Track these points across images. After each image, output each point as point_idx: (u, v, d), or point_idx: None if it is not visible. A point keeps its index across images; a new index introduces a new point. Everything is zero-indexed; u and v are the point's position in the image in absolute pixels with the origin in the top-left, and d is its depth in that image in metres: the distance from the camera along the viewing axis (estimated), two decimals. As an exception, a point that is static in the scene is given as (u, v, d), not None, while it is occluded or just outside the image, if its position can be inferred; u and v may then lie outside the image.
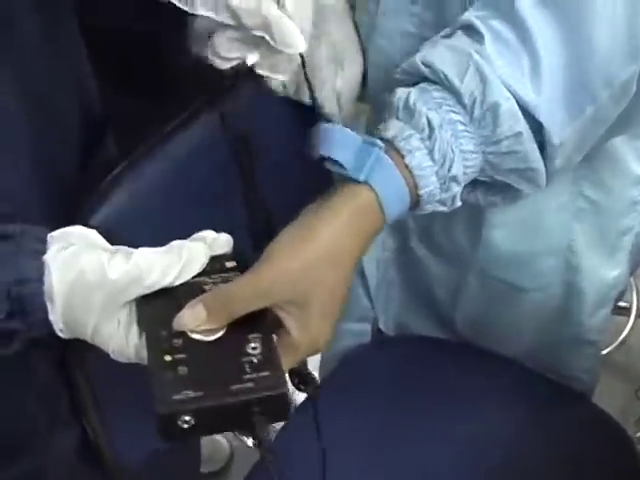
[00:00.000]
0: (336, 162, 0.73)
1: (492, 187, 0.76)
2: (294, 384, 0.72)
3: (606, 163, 0.98)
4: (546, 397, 1.18)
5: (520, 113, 0.70)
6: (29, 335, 0.68)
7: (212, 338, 0.66)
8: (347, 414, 1.11)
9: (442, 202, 0.73)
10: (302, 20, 0.77)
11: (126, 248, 0.69)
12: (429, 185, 0.71)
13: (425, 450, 1.11)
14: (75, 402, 0.85)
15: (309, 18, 0.79)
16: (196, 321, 0.66)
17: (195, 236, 0.70)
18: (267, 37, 0.74)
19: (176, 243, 0.69)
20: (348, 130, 0.74)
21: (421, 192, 0.71)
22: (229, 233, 0.73)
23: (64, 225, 0.73)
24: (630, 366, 1.92)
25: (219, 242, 0.71)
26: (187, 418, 0.61)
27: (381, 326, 1.27)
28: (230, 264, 0.70)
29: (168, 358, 0.64)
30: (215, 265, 0.70)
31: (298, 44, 0.75)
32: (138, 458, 0.94)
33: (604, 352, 1.77)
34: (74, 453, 0.90)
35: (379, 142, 0.71)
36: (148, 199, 0.86)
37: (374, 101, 0.91)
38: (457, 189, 0.72)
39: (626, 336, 1.92)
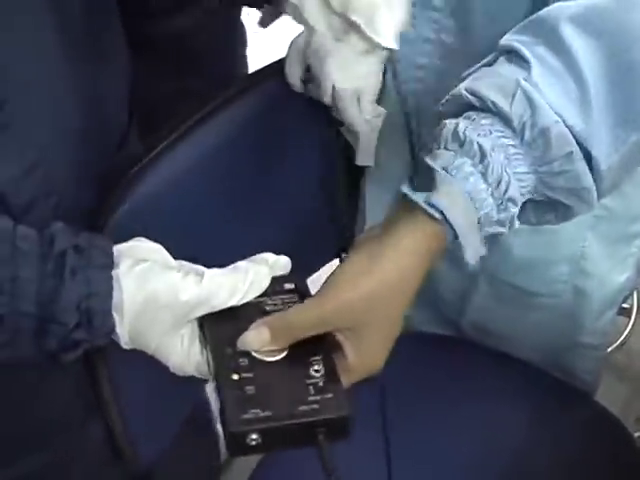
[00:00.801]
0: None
1: (544, 206, 0.76)
2: None
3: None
4: (551, 396, 1.20)
5: (570, 135, 0.71)
6: (92, 345, 0.70)
7: (275, 359, 0.69)
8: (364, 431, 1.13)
9: (500, 223, 0.73)
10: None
11: (195, 266, 0.72)
12: (485, 207, 0.71)
13: (430, 449, 1.13)
14: (97, 395, 0.87)
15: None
16: (260, 342, 0.69)
17: (256, 257, 0.73)
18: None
19: (241, 264, 0.72)
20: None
21: (479, 214, 0.71)
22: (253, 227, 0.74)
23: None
24: (630, 366, 1.94)
25: (279, 264, 0.73)
26: (255, 436, 0.65)
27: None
28: (289, 286, 0.74)
29: (235, 377, 0.68)
30: (274, 286, 0.73)
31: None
32: (154, 452, 0.96)
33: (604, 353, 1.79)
34: (103, 443, 0.92)
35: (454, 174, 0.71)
36: (172, 191, 0.88)
37: (391, 102, 0.93)
38: (514, 210, 0.72)
39: (626, 336, 1.92)
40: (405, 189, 0.71)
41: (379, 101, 0.94)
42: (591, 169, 0.72)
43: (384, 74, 0.94)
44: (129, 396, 0.89)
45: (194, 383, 1.01)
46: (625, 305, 1.90)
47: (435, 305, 1.25)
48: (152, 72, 1.06)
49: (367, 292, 0.68)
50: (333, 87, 0.90)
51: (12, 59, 0.69)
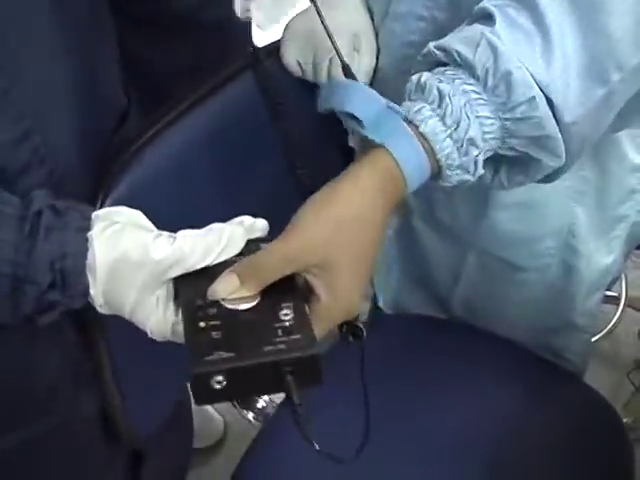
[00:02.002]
0: (354, 119, 0.75)
1: (514, 164, 0.78)
2: (342, 333, 0.73)
3: (605, 148, 1.01)
4: (541, 377, 1.21)
5: (532, 80, 0.73)
6: (68, 307, 0.70)
7: (246, 307, 0.68)
8: (344, 391, 1.13)
9: (464, 168, 0.75)
10: None
11: (167, 232, 0.72)
12: (445, 149, 0.73)
13: (421, 429, 1.14)
14: (94, 369, 0.88)
15: None
16: (229, 289, 0.68)
17: (234, 220, 0.73)
18: None
19: (216, 226, 0.71)
20: (373, 91, 0.77)
21: (439, 156, 0.73)
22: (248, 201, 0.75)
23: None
24: (618, 354, 1.96)
25: (256, 226, 0.73)
26: (219, 378, 0.63)
27: (380, 304, 1.29)
28: (265, 246, 0.72)
29: (202, 324, 0.67)
30: (251, 247, 0.72)
31: None
32: (150, 428, 0.97)
33: (593, 339, 1.80)
34: (95, 419, 0.93)
35: (401, 110, 0.74)
36: (168, 170, 0.89)
37: (384, 81, 0.94)
38: (476, 152, 0.74)
39: (614, 325, 1.95)
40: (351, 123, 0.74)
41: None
42: (556, 119, 0.74)
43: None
44: (126, 368, 0.90)
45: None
46: (614, 293, 1.93)
47: (426, 285, 1.26)
48: (156, 49, 1.07)
49: (328, 223, 0.69)
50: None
51: (9, 27, 0.70)
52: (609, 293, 1.88)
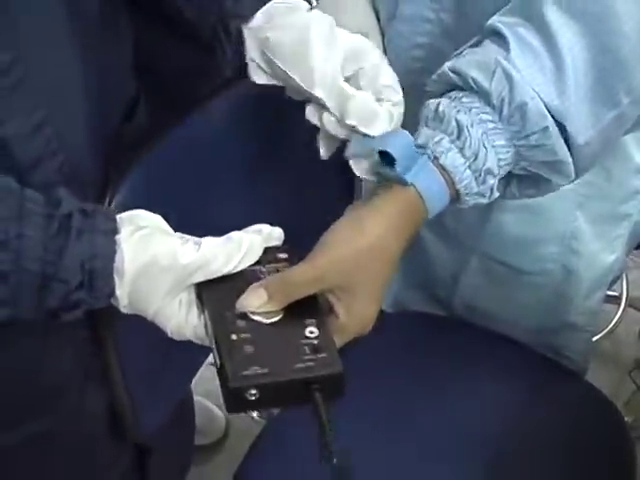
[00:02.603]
0: (386, 158, 0.77)
1: (526, 180, 0.81)
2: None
3: (610, 151, 1.01)
4: (542, 375, 1.22)
5: (546, 110, 0.75)
6: (92, 306, 0.72)
7: (271, 321, 0.72)
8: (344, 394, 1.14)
9: (481, 194, 0.78)
10: None
11: (191, 237, 0.74)
12: (464, 180, 0.76)
13: (422, 427, 1.14)
14: (103, 367, 0.89)
15: None
16: (258, 302, 0.72)
17: (251, 228, 0.76)
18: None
19: (235, 234, 0.74)
20: (406, 132, 0.79)
21: (458, 187, 0.77)
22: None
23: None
24: (618, 354, 1.96)
25: (273, 235, 0.76)
26: (253, 392, 0.68)
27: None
28: (282, 255, 0.76)
29: (234, 337, 0.71)
30: (268, 256, 0.76)
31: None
32: (156, 424, 0.98)
33: (594, 339, 1.81)
34: (102, 415, 0.94)
35: (429, 151, 0.77)
36: (176, 168, 0.90)
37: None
38: (493, 181, 0.77)
39: (615, 324, 1.95)
40: (381, 168, 0.77)
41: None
42: (567, 143, 0.77)
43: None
44: (134, 365, 0.91)
45: (194, 358, 1.05)
46: (615, 293, 1.93)
47: (428, 285, 1.27)
48: (169, 46, 1.07)
49: (354, 250, 0.74)
50: None
51: (26, 20, 0.71)
52: (610, 293, 1.89)
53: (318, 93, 0.78)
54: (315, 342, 0.71)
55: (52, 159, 0.76)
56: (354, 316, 0.75)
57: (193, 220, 0.77)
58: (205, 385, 1.82)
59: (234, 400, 0.69)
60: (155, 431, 0.98)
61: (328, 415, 0.69)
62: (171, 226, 0.75)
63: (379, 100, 0.79)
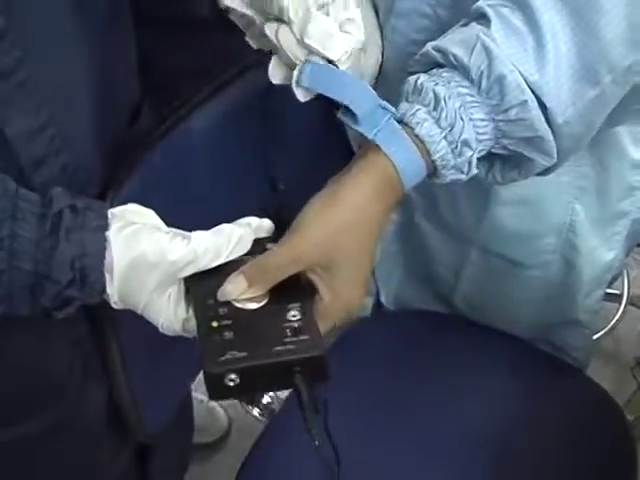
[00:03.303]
0: (348, 112, 0.77)
1: (508, 162, 0.80)
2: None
3: (604, 144, 1.02)
4: (544, 371, 1.22)
5: (524, 83, 0.75)
6: (84, 303, 0.73)
7: (255, 307, 0.72)
8: (347, 387, 1.14)
9: (458, 168, 0.77)
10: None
11: (182, 231, 0.74)
12: (440, 150, 0.75)
13: (424, 424, 1.15)
14: (104, 362, 0.90)
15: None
16: (238, 290, 0.72)
17: (241, 221, 0.76)
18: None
19: (225, 227, 0.74)
20: (366, 83, 0.79)
21: (434, 157, 0.76)
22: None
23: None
24: (619, 352, 1.97)
25: (262, 227, 0.77)
26: (233, 376, 0.67)
27: (382, 299, 1.31)
28: (271, 246, 0.76)
29: (215, 324, 0.71)
30: (258, 247, 0.76)
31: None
32: (158, 422, 0.98)
33: (594, 337, 1.81)
34: (102, 412, 0.95)
35: (394, 110, 0.76)
36: (178, 167, 0.91)
37: (388, 79, 0.95)
38: (470, 153, 0.76)
39: (616, 322, 1.96)
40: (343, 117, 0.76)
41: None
42: (548, 121, 0.76)
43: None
44: (136, 364, 0.91)
45: (195, 356, 1.05)
46: (616, 291, 1.94)
47: (429, 282, 1.27)
48: (171, 47, 1.08)
49: (330, 226, 0.73)
50: None
51: (30, 21, 0.72)
52: (611, 291, 1.90)
53: (285, 2, 0.78)
54: (296, 325, 0.70)
55: (55, 159, 0.77)
56: (338, 296, 0.73)
57: (193, 219, 0.78)
58: (207, 383, 1.84)
59: (215, 386, 0.68)
60: (158, 429, 0.98)
61: (312, 398, 0.68)
62: (171, 224, 0.76)
63: (342, 32, 0.80)
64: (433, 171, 0.77)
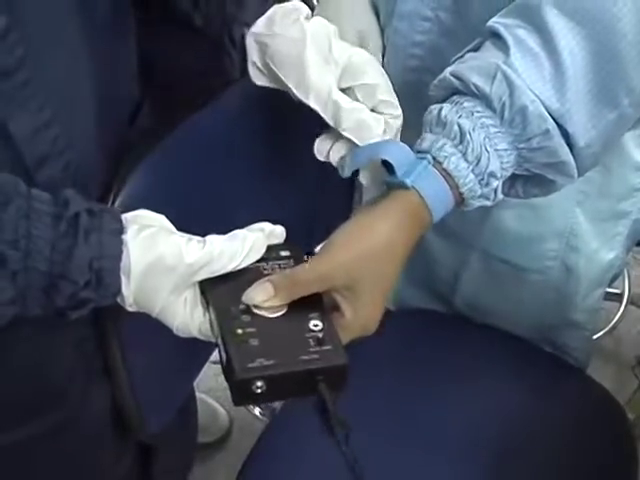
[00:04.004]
0: (388, 166, 0.79)
1: (530, 180, 0.83)
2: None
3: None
4: (545, 371, 1.22)
5: (546, 113, 0.76)
6: (98, 305, 0.73)
7: (275, 315, 0.74)
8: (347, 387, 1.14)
9: (485, 196, 0.79)
10: None
11: (194, 236, 0.75)
12: (467, 183, 0.78)
13: (424, 423, 1.15)
14: (105, 362, 0.90)
15: None
16: (264, 296, 0.74)
17: (254, 226, 0.77)
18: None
19: (239, 232, 0.76)
20: (401, 143, 0.81)
21: (462, 190, 0.78)
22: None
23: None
24: (620, 351, 1.97)
25: (275, 233, 0.78)
26: (260, 384, 0.69)
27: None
28: (284, 253, 0.78)
29: (240, 331, 0.72)
30: (271, 253, 0.78)
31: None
32: (161, 423, 0.98)
33: (595, 337, 1.81)
34: (106, 414, 0.95)
35: (429, 156, 0.78)
36: (179, 168, 0.91)
37: (390, 79, 0.95)
38: (496, 183, 0.78)
39: (616, 322, 1.96)
40: (387, 177, 0.79)
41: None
42: (569, 145, 0.78)
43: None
44: (138, 364, 0.91)
45: (198, 356, 1.05)
46: (617, 291, 1.94)
47: (429, 283, 1.28)
48: (171, 45, 1.08)
49: (359, 252, 0.75)
50: None
51: (33, 22, 0.72)
52: (612, 290, 1.90)
53: (313, 105, 0.81)
54: (319, 335, 0.73)
55: (58, 158, 0.77)
56: (359, 315, 0.76)
57: (196, 219, 0.78)
58: (208, 383, 1.84)
59: (241, 392, 0.70)
60: (160, 430, 0.98)
61: (334, 406, 0.71)
62: (175, 225, 0.76)
63: (378, 113, 0.82)
64: (461, 201, 0.79)
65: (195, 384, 1.21)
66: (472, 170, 0.77)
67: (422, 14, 0.93)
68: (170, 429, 1.03)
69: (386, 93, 0.82)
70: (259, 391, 0.69)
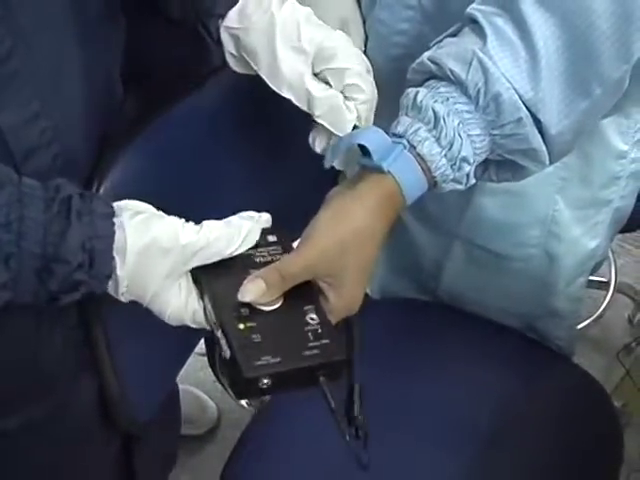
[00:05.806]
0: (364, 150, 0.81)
1: (502, 165, 0.84)
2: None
3: (589, 136, 1.03)
4: (531, 358, 1.23)
5: (520, 101, 0.78)
6: (90, 289, 0.73)
7: (272, 308, 0.76)
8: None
9: (457, 181, 0.81)
10: None
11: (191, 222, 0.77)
12: (440, 167, 0.79)
13: (412, 412, 1.15)
14: (91, 350, 0.90)
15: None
16: (258, 293, 0.75)
17: (243, 214, 0.79)
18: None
19: (234, 219, 0.77)
20: (382, 131, 0.82)
21: (434, 174, 0.80)
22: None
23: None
24: (606, 339, 1.98)
25: (263, 219, 0.80)
26: (266, 381, 0.71)
27: (367, 290, 1.31)
28: (272, 238, 0.80)
29: (241, 326, 0.74)
30: (260, 239, 0.79)
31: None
32: (147, 413, 0.98)
33: (582, 325, 1.82)
34: (94, 403, 0.95)
35: (404, 141, 0.80)
36: (164, 156, 0.91)
37: (373, 68, 0.95)
38: (468, 168, 0.80)
39: (603, 310, 1.97)
40: (361, 159, 0.80)
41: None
42: (541, 132, 0.79)
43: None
44: (124, 354, 0.91)
45: (183, 347, 1.05)
46: (603, 279, 1.95)
47: (413, 272, 1.29)
48: (165, 41, 1.08)
49: (339, 239, 0.77)
50: None
51: (23, 12, 0.72)
52: (599, 278, 1.91)
53: (287, 94, 0.83)
54: (317, 328, 0.75)
55: (46, 150, 0.77)
56: (343, 297, 0.78)
57: (181, 209, 0.78)
58: (197, 375, 1.84)
59: (247, 389, 0.72)
60: (148, 420, 0.99)
61: (338, 396, 0.74)
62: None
63: (347, 98, 0.83)
64: (433, 185, 0.81)
65: (183, 376, 1.21)
66: (445, 155, 0.78)
67: (405, 2, 0.93)
68: (153, 422, 1.03)
69: (355, 77, 0.83)
70: (264, 387, 0.71)
